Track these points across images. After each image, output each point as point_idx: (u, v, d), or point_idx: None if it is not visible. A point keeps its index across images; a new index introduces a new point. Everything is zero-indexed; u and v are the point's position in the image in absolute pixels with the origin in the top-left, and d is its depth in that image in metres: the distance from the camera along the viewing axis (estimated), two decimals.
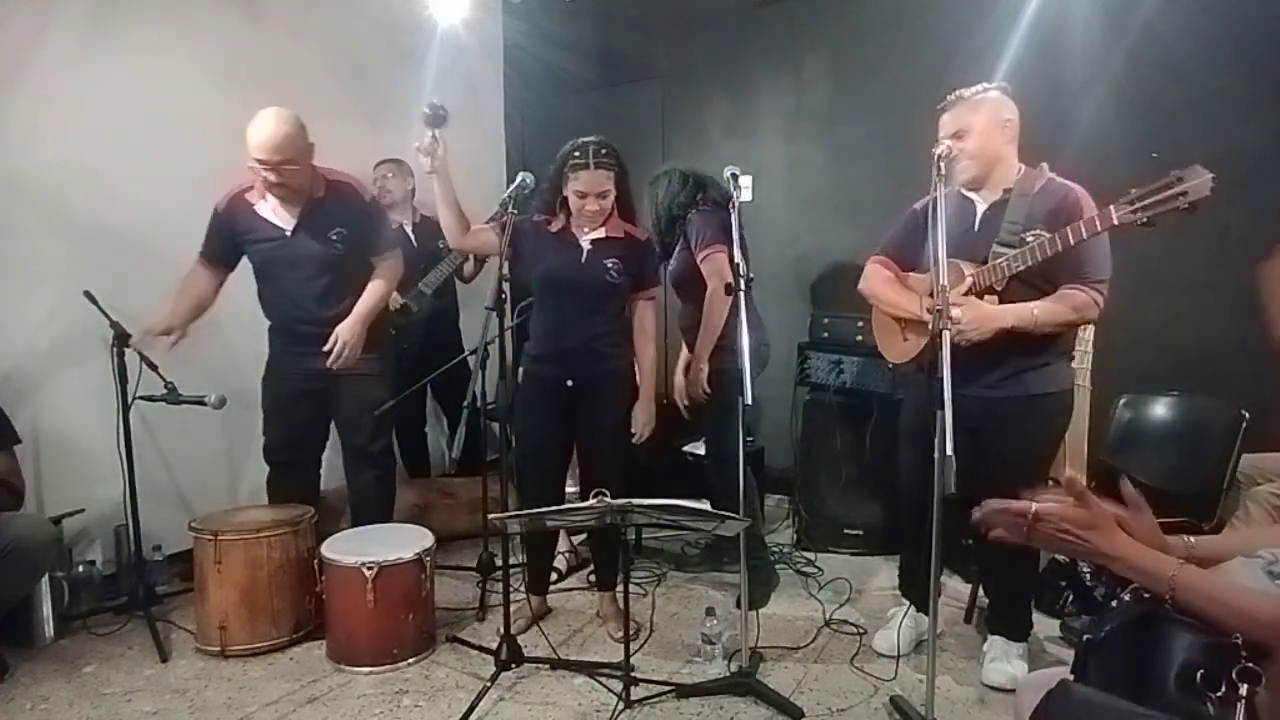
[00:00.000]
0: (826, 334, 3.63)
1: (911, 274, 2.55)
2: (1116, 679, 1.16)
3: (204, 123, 3.27)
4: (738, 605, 2.63)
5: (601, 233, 2.70)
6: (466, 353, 3.65)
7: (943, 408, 1.87)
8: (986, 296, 2.25)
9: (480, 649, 2.68)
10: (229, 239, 2.83)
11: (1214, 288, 3.05)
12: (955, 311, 2.04)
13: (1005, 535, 1.27)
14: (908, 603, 2.68)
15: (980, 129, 2.30)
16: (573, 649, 2.75)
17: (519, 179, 2.59)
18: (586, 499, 2.20)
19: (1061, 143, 2.86)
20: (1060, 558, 2.80)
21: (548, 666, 2.58)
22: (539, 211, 2.73)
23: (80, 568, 2.97)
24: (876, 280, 2.59)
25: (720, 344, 2.90)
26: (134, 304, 2.86)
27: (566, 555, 3.38)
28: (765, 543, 3.32)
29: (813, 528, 3.60)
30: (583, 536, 3.33)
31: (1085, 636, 1.26)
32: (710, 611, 2.62)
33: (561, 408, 2.75)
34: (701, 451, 3.52)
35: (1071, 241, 2.05)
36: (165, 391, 2.72)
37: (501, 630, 2.51)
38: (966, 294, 2.24)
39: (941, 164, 2.12)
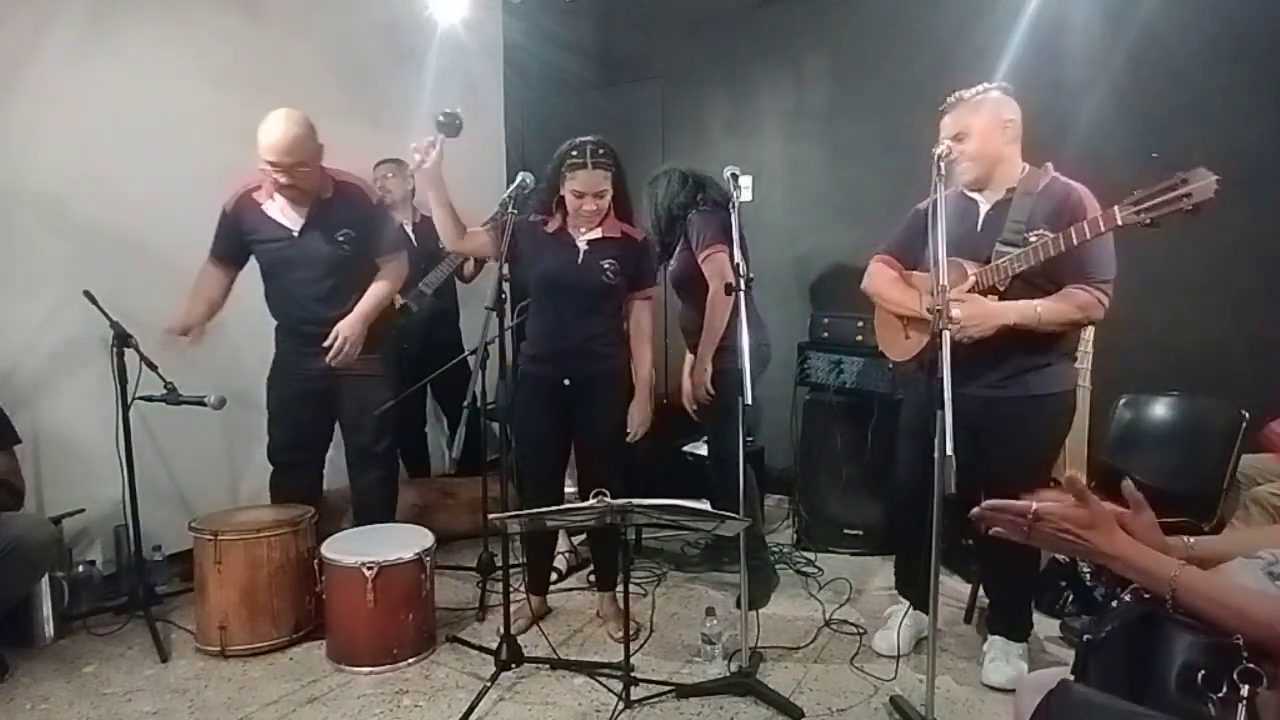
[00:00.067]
0: (826, 334, 3.63)
1: (915, 272, 2.54)
2: (1117, 679, 1.16)
3: (204, 123, 3.27)
4: (738, 605, 2.63)
5: (598, 233, 2.69)
6: (466, 353, 3.65)
7: (943, 407, 1.86)
8: (989, 296, 2.25)
9: (480, 649, 2.68)
10: (237, 238, 2.83)
11: (1214, 288, 3.05)
12: (956, 312, 2.04)
13: (1004, 533, 1.28)
14: (905, 602, 2.68)
15: (980, 131, 2.30)
16: (573, 649, 2.75)
17: (519, 179, 2.59)
18: (585, 498, 2.20)
19: (1061, 143, 2.86)
20: (1060, 558, 2.80)
21: (548, 666, 2.58)
22: (535, 211, 2.72)
23: (80, 568, 2.97)
24: (880, 278, 2.59)
25: (722, 344, 2.90)
26: (134, 304, 2.86)
27: (566, 555, 3.38)
28: (765, 543, 3.32)
29: (813, 528, 3.60)
30: (582, 537, 3.33)
31: (1085, 636, 1.25)
32: (710, 611, 2.62)
33: (559, 407, 2.74)
34: (701, 451, 3.52)
35: (1075, 241, 2.04)
36: (165, 392, 2.72)
37: (501, 630, 2.51)
38: (969, 292, 2.24)
39: (941, 164, 2.11)
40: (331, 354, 2.79)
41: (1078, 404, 2.58)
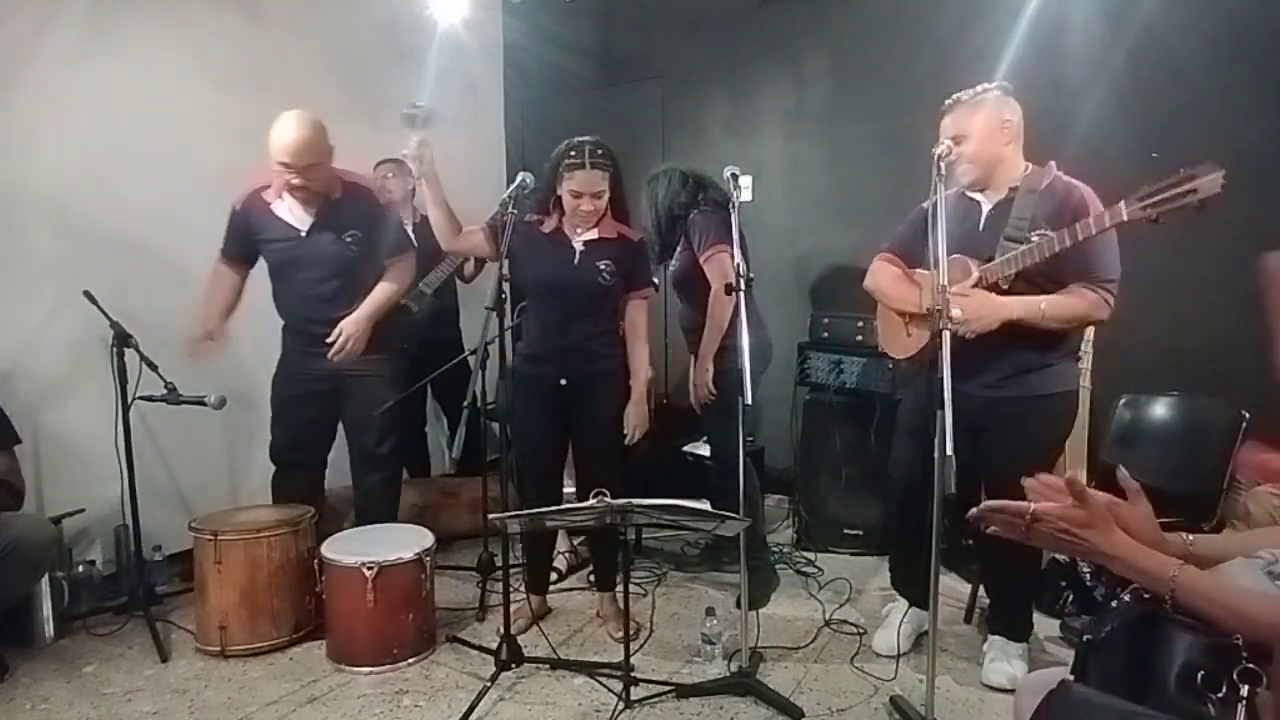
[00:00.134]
0: (826, 334, 3.63)
1: (917, 270, 2.54)
2: (1117, 679, 1.16)
3: (204, 123, 3.27)
4: (738, 605, 2.63)
5: (594, 234, 2.69)
6: (466, 353, 3.64)
7: (943, 407, 1.86)
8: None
9: (480, 649, 2.68)
10: (246, 238, 2.84)
11: (1214, 288, 3.05)
12: (956, 311, 2.03)
13: (1002, 532, 1.28)
14: (903, 600, 2.68)
15: (979, 132, 2.29)
16: (573, 649, 2.75)
17: (519, 179, 2.59)
18: (583, 498, 2.19)
19: (1062, 143, 2.85)
20: (1060, 557, 2.80)
21: (548, 666, 2.58)
22: (532, 211, 2.72)
23: (80, 568, 2.97)
24: (883, 275, 2.59)
25: (723, 344, 2.90)
26: (134, 304, 2.86)
27: (566, 555, 3.38)
28: (766, 543, 3.32)
29: (813, 528, 3.60)
30: (582, 537, 3.33)
31: (1085, 637, 1.25)
32: (710, 611, 2.62)
33: (557, 407, 2.75)
34: (701, 451, 3.52)
35: (1080, 237, 2.04)
36: (165, 392, 2.72)
37: (501, 630, 2.51)
38: (973, 287, 2.24)
39: (941, 164, 2.11)
40: (334, 350, 2.80)
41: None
